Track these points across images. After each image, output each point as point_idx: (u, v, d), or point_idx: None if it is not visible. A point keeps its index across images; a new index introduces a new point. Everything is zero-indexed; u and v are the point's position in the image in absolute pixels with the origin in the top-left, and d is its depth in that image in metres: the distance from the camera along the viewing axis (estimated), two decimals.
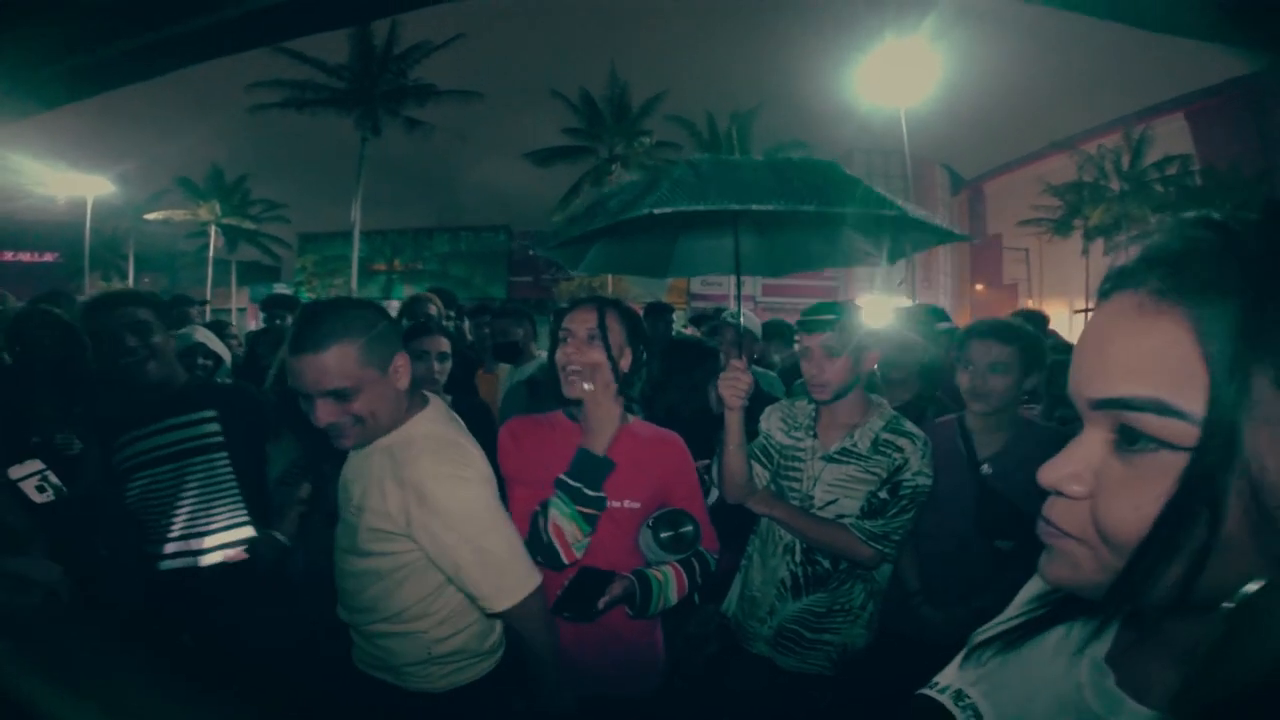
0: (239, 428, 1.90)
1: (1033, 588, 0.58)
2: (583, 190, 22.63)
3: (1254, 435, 0.35)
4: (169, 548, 1.78)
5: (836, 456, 1.69)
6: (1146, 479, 0.38)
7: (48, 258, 30.43)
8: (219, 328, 4.04)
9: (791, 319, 2.81)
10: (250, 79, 21.20)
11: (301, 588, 2.00)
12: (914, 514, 1.61)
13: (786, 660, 1.70)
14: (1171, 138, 23.30)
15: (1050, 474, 0.43)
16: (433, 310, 3.51)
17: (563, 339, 1.48)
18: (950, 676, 0.58)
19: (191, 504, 1.80)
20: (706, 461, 1.95)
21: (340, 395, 1.23)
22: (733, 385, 1.59)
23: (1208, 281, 0.37)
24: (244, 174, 27.79)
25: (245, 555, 1.82)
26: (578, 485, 1.38)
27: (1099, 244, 22.99)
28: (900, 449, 1.63)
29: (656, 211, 1.62)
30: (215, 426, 1.86)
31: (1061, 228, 24.43)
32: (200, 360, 2.95)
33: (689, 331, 5.17)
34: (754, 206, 1.65)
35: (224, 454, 1.85)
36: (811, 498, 1.69)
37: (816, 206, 1.64)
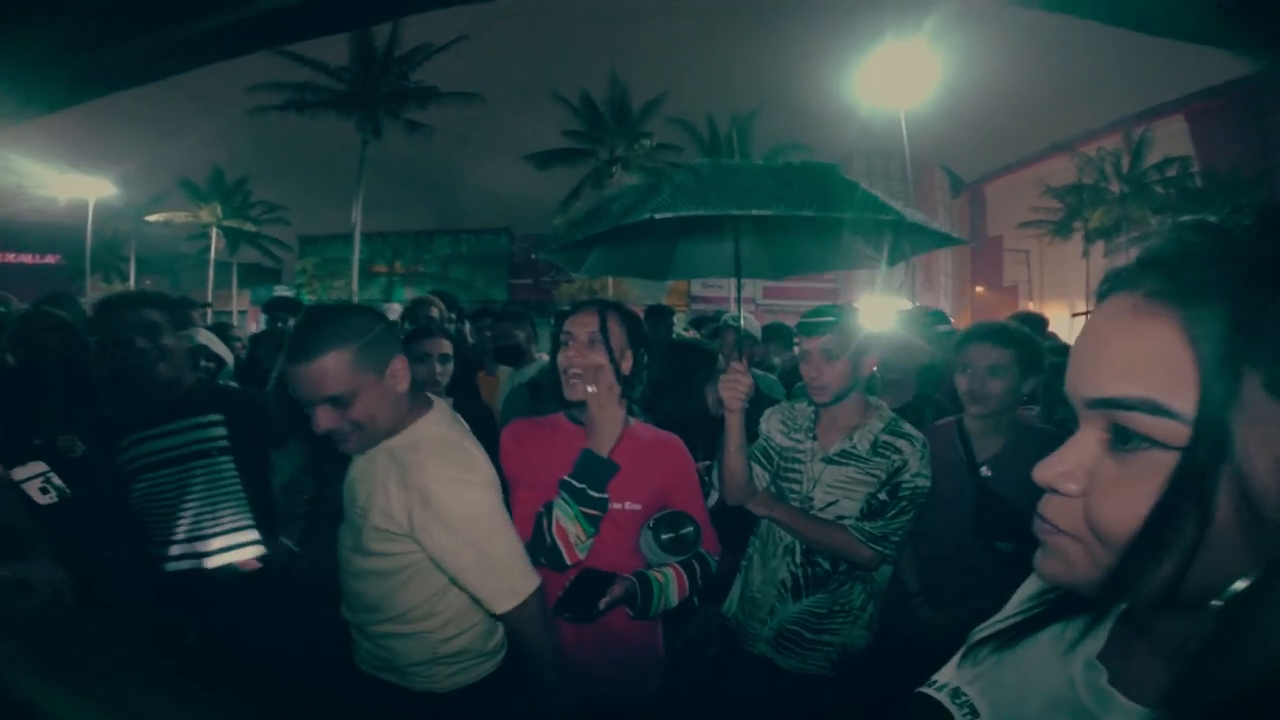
0: (244, 431, 1.90)
1: (1030, 586, 0.59)
2: (583, 193, 22.63)
3: (1243, 435, 0.35)
4: (174, 550, 1.79)
5: (836, 458, 1.69)
6: (1138, 477, 0.39)
7: (49, 260, 30.47)
8: (222, 330, 4.04)
9: (792, 321, 2.82)
10: (251, 81, 21.23)
11: (305, 589, 2.00)
12: (913, 515, 1.62)
13: (787, 661, 1.70)
14: (1171, 139, 23.32)
15: (1045, 471, 0.43)
16: (434, 313, 3.52)
17: (564, 342, 1.48)
18: (948, 675, 0.59)
19: (196, 507, 1.80)
20: (707, 463, 1.96)
21: (337, 401, 1.24)
22: (733, 388, 1.60)
23: (1200, 284, 0.38)
24: (245, 176, 27.86)
25: (259, 565, 1.82)
26: (582, 486, 1.39)
27: (1100, 246, 23.00)
28: (899, 451, 1.64)
29: (658, 217, 1.63)
30: (221, 430, 1.86)
31: (1062, 230, 24.44)
32: (202, 363, 2.96)
33: (689, 334, 5.17)
34: (754, 212, 1.67)
35: (229, 458, 1.86)
36: (811, 499, 1.70)
37: (815, 212, 1.65)
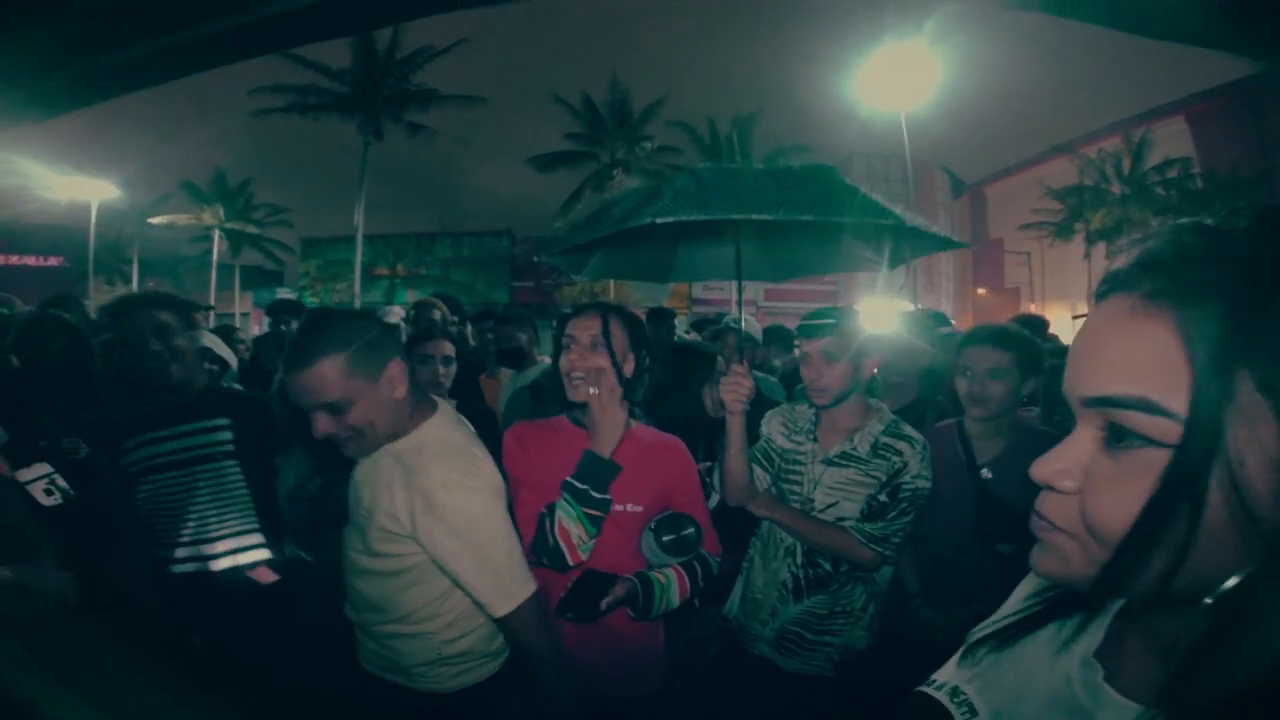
0: (250, 436, 1.90)
1: (1028, 585, 0.59)
2: (585, 195, 22.68)
3: (1236, 435, 0.36)
4: (179, 552, 1.79)
5: (836, 460, 1.70)
6: (1133, 475, 0.39)
7: (52, 262, 30.51)
8: (227, 333, 4.05)
9: (793, 324, 2.83)
10: (253, 84, 21.30)
11: (309, 590, 2.01)
12: (913, 517, 1.63)
13: (788, 662, 1.71)
14: (1172, 141, 23.33)
15: (1042, 469, 0.44)
16: (437, 315, 3.54)
17: (566, 345, 1.49)
18: (947, 674, 0.59)
19: (201, 510, 1.81)
20: (708, 465, 1.97)
21: (333, 408, 1.25)
22: (734, 390, 1.61)
23: (1196, 285, 0.38)
24: (247, 178, 27.93)
25: (276, 576, 1.83)
26: (584, 488, 1.40)
27: (1101, 248, 22.99)
28: (899, 452, 1.64)
29: (659, 221, 1.64)
30: (228, 434, 1.86)
31: (1063, 231, 24.44)
32: (206, 365, 2.97)
33: (691, 336, 5.18)
34: (754, 216, 1.67)
35: (234, 462, 1.86)
36: (812, 501, 1.71)
37: (815, 216, 1.66)
